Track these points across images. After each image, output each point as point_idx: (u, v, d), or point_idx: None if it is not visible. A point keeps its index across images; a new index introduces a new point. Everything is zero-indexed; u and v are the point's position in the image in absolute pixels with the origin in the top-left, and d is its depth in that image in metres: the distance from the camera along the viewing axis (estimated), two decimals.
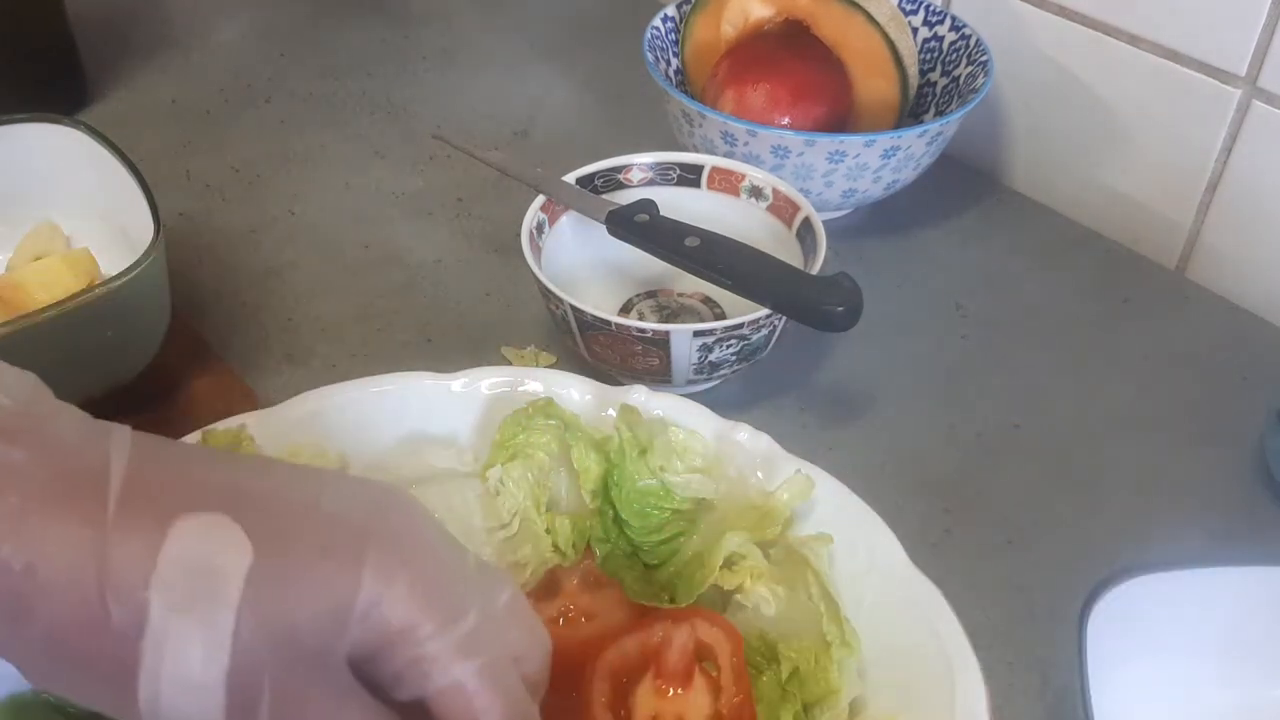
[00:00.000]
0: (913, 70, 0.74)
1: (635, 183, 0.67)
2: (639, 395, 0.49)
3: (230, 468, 0.34)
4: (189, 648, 0.29)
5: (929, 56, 0.78)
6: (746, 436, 0.48)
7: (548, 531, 0.47)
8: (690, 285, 0.66)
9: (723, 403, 0.51)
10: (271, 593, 0.30)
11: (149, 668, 0.29)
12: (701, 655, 0.44)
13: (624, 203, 0.63)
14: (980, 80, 0.72)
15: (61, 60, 0.84)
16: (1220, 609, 0.46)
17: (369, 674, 0.33)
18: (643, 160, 0.67)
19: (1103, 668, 0.43)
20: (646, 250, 0.62)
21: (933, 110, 0.77)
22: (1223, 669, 0.47)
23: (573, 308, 0.57)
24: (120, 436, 0.32)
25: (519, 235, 0.61)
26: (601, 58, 0.92)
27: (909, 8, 0.78)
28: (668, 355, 0.58)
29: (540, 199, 0.64)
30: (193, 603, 0.29)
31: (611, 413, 0.49)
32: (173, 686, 0.29)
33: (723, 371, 0.60)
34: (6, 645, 0.30)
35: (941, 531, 0.57)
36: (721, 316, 0.66)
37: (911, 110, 0.76)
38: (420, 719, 0.33)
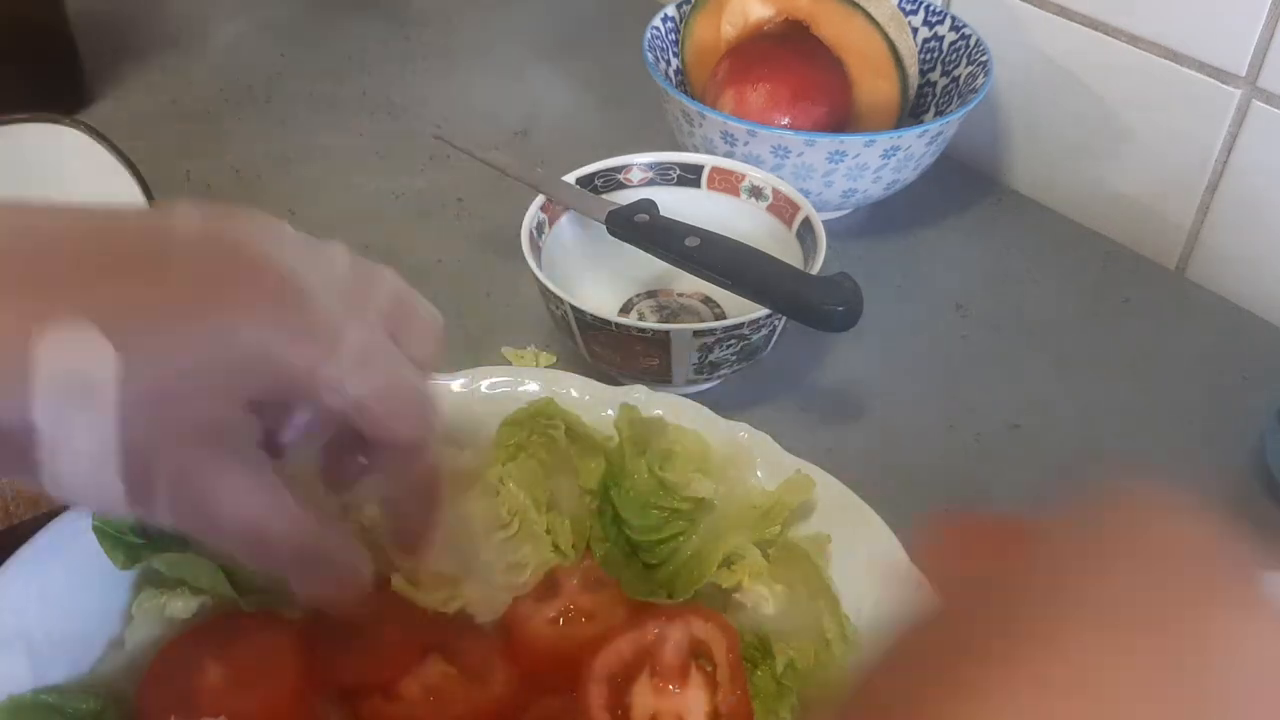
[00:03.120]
0: (913, 70, 0.74)
1: (635, 183, 0.67)
2: (639, 395, 0.49)
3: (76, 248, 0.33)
4: (79, 452, 0.31)
5: (929, 56, 0.78)
6: (746, 436, 0.48)
7: (548, 531, 0.47)
8: (690, 285, 0.66)
9: (723, 403, 0.51)
10: (147, 366, 0.31)
11: (49, 469, 0.32)
12: (696, 652, 0.43)
13: (624, 203, 0.63)
14: (980, 80, 0.72)
15: (61, 60, 0.84)
16: None
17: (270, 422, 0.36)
18: (643, 160, 0.67)
19: None
20: (646, 250, 0.62)
21: (933, 110, 0.77)
22: None
23: (573, 308, 0.57)
24: None
25: (519, 235, 0.61)
26: (601, 58, 0.92)
27: (909, 8, 0.78)
28: (668, 355, 0.58)
29: (540, 199, 0.64)
30: (75, 413, 0.31)
31: (611, 413, 0.49)
32: (73, 480, 0.32)
33: (723, 371, 0.60)
34: None
35: None
36: (721, 316, 0.66)
37: (911, 110, 0.76)
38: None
